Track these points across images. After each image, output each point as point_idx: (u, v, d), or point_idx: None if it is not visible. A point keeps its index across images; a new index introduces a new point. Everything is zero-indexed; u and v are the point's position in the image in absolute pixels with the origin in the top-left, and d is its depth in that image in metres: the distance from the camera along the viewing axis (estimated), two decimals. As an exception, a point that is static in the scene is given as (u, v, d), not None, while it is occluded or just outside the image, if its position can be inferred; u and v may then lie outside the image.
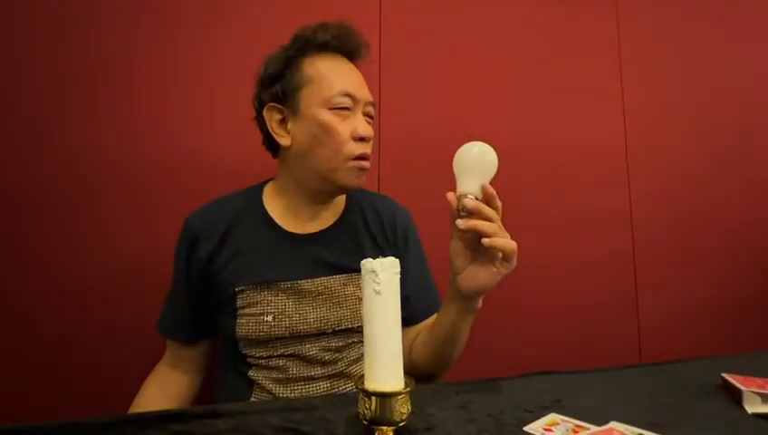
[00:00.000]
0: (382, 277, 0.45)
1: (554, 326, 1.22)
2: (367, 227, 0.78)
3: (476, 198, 0.59)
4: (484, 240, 0.58)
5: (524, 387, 0.61)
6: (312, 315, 0.70)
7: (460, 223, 0.58)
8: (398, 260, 0.47)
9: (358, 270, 0.68)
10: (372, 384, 0.44)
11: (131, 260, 0.96)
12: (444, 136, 1.19)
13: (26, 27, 0.94)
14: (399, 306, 0.47)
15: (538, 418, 0.49)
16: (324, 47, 0.72)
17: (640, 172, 1.36)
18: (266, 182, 0.80)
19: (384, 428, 0.43)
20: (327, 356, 0.70)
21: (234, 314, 0.70)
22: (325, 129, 0.68)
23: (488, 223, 0.58)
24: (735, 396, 0.56)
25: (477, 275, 0.62)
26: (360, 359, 0.74)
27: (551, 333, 1.22)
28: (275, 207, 0.76)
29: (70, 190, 0.94)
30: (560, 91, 1.31)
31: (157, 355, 0.89)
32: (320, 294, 0.71)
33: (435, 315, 0.74)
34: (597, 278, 1.27)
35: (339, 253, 0.74)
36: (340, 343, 0.72)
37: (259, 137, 0.79)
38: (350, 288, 0.73)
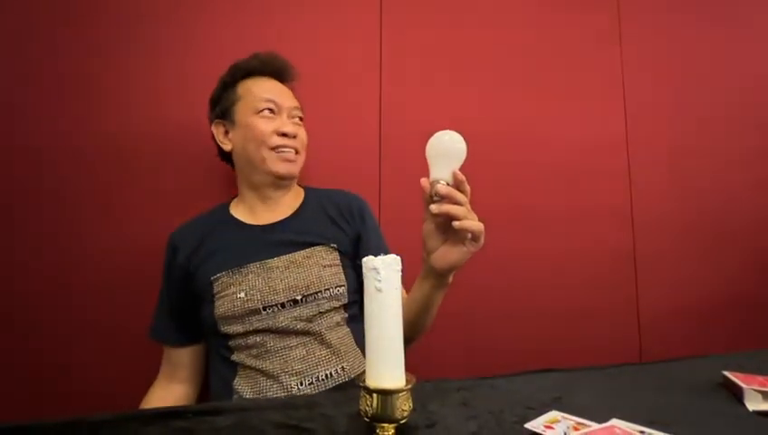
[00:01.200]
0: (383, 274, 0.45)
1: (555, 324, 1.22)
2: (325, 211, 0.89)
3: (448, 184, 0.63)
4: (455, 223, 0.63)
5: (525, 384, 0.61)
6: (280, 286, 0.77)
7: (434, 208, 0.63)
8: (399, 258, 0.47)
9: (319, 243, 0.83)
10: (374, 381, 0.44)
11: (133, 259, 0.96)
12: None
13: (27, 28, 0.94)
14: (401, 303, 0.47)
15: (539, 415, 0.49)
16: (253, 72, 0.88)
17: (641, 170, 1.35)
18: (233, 198, 0.93)
19: (385, 425, 0.43)
20: (300, 326, 0.76)
21: (212, 300, 0.79)
22: (252, 128, 0.83)
23: (459, 207, 0.63)
24: (736, 394, 0.57)
25: (449, 254, 0.67)
26: (334, 327, 0.79)
27: (551, 331, 1.22)
28: (239, 211, 0.89)
29: (72, 190, 0.94)
30: (561, 90, 1.31)
31: (157, 354, 0.89)
32: (286, 268, 0.79)
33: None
34: (598, 276, 1.27)
35: (301, 233, 0.84)
36: (311, 313, 0.77)
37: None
38: (314, 259, 0.81)
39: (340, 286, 0.81)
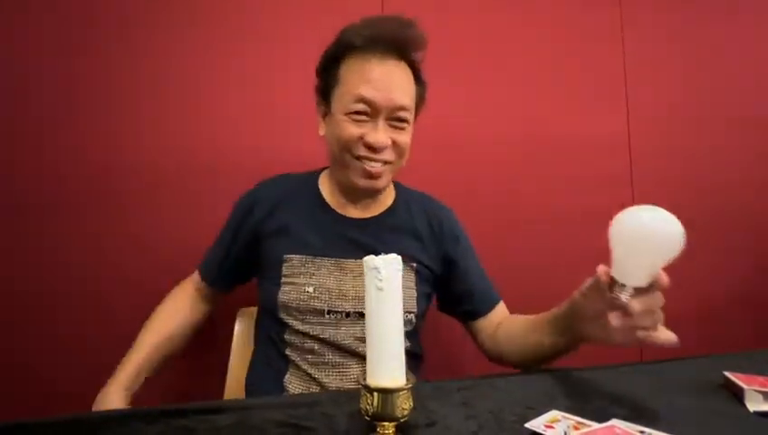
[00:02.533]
0: (384, 274, 0.45)
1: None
2: (413, 221, 0.81)
3: (641, 287, 0.47)
4: (640, 333, 0.50)
5: (525, 384, 0.61)
6: (351, 293, 0.73)
7: (614, 322, 0.50)
8: (399, 257, 0.47)
9: (405, 262, 0.71)
10: (374, 380, 0.44)
11: (135, 259, 0.96)
12: (447, 134, 1.19)
13: (31, 28, 0.94)
14: (402, 303, 0.47)
15: (539, 414, 0.49)
16: (359, 48, 0.71)
17: (643, 169, 1.35)
18: (324, 169, 0.85)
19: (386, 423, 0.44)
20: (361, 348, 0.71)
21: (278, 280, 0.74)
22: (340, 129, 0.71)
23: (650, 318, 0.50)
24: (737, 394, 0.56)
25: (613, 335, 0.53)
26: None
27: (552, 330, 1.22)
28: (328, 189, 0.81)
29: (73, 191, 0.94)
30: (563, 88, 1.30)
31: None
32: (361, 274, 0.69)
33: (501, 309, 0.83)
34: (598, 275, 1.27)
35: (383, 241, 0.76)
36: None
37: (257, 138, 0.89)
38: (407, 276, 0.74)
39: (410, 313, 0.75)
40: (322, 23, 1.11)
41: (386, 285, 0.45)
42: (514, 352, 0.75)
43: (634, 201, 1.33)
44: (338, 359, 0.71)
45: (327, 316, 0.72)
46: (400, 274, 0.47)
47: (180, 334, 0.82)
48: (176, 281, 0.88)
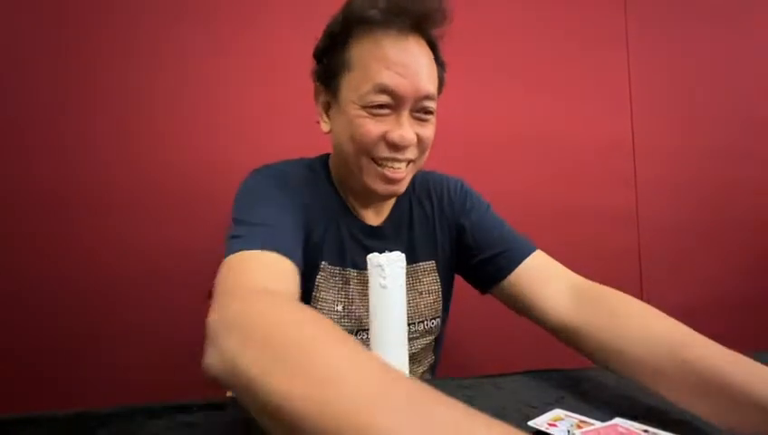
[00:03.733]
0: (388, 271, 0.46)
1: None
2: (423, 209, 0.72)
3: None
4: None
5: (528, 383, 0.61)
6: None
7: None
8: (404, 255, 0.47)
9: (419, 260, 0.67)
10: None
11: (136, 258, 0.96)
12: (447, 133, 1.19)
13: (31, 27, 0.95)
14: (405, 300, 0.47)
15: (542, 413, 0.49)
16: (375, 23, 0.57)
17: (647, 169, 1.35)
18: (324, 159, 0.71)
19: (389, 421, 0.44)
20: None
21: (310, 290, 0.63)
22: (355, 126, 0.58)
23: None
24: (741, 394, 0.56)
25: None
26: (426, 368, 0.70)
27: (554, 331, 1.22)
28: (341, 190, 0.69)
29: (75, 191, 0.95)
30: (567, 88, 1.30)
31: (158, 351, 0.90)
32: None
33: (542, 258, 0.67)
34: (602, 275, 1.25)
35: (401, 241, 0.68)
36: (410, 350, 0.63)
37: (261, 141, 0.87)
38: (411, 282, 0.66)
39: (436, 319, 0.69)
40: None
41: (390, 282, 0.46)
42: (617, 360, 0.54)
43: (637, 201, 1.33)
44: None
45: (356, 336, 0.65)
46: (404, 271, 0.47)
47: None
48: (175, 281, 0.88)
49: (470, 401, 0.54)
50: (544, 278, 0.64)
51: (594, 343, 0.55)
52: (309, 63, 0.66)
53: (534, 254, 0.67)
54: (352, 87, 0.58)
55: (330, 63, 0.61)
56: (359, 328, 0.65)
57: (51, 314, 0.92)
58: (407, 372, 0.46)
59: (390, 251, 0.61)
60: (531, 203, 1.23)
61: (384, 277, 0.46)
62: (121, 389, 0.90)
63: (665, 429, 0.46)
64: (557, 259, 0.70)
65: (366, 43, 0.58)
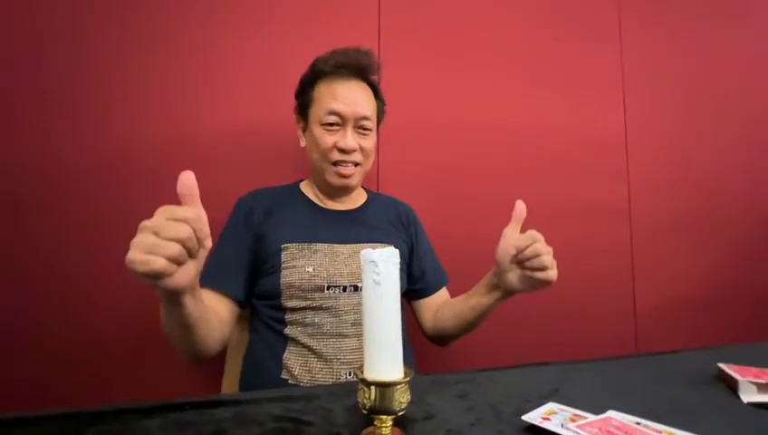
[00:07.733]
0: (381, 268, 0.45)
1: (552, 317, 1.23)
2: (385, 215, 0.95)
3: None
4: (539, 275, 0.74)
5: (522, 377, 0.61)
6: (345, 270, 0.82)
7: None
8: (397, 250, 0.47)
9: (383, 242, 0.88)
10: (372, 374, 0.44)
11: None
12: (443, 129, 1.19)
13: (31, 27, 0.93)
14: (399, 296, 0.47)
15: (536, 407, 0.50)
16: (328, 73, 0.87)
17: (640, 164, 1.36)
18: (302, 180, 0.97)
19: (383, 417, 0.44)
20: (357, 316, 0.80)
21: (278, 267, 0.81)
22: (316, 138, 0.85)
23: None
24: (732, 385, 0.57)
25: (523, 282, 0.76)
26: None
27: (548, 324, 1.23)
28: (310, 192, 0.93)
29: (74, 189, 0.94)
30: (560, 83, 1.31)
31: (155, 350, 0.90)
32: (350, 255, 0.84)
33: (445, 292, 0.96)
34: (595, 269, 1.28)
35: (367, 227, 0.90)
36: None
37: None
38: None
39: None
40: (318, 32, 1.11)
41: (383, 278, 0.45)
42: (451, 324, 0.89)
43: (630, 197, 1.34)
44: (335, 329, 0.78)
45: (327, 291, 0.80)
46: (398, 267, 0.47)
47: (219, 331, 0.72)
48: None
49: (465, 395, 0.55)
50: (439, 303, 0.95)
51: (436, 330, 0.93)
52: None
53: (444, 288, 0.97)
54: (315, 114, 0.86)
55: (303, 100, 0.90)
56: (329, 284, 0.80)
57: (40, 312, 0.91)
58: (401, 366, 0.46)
59: (353, 229, 0.87)
60: (523, 198, 1.21)
61: (378, 274, 0.45)
62: (113, 388, 0.90)
63: (657, 421, 0.46)
64: (550, 254, 0.76)
65: (323, 86, 0.87)
